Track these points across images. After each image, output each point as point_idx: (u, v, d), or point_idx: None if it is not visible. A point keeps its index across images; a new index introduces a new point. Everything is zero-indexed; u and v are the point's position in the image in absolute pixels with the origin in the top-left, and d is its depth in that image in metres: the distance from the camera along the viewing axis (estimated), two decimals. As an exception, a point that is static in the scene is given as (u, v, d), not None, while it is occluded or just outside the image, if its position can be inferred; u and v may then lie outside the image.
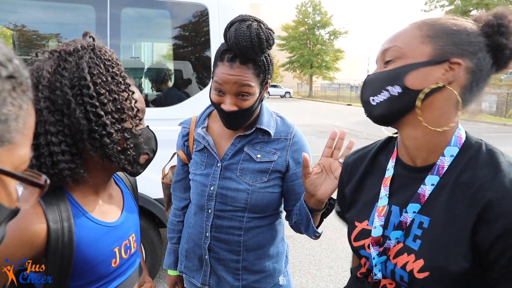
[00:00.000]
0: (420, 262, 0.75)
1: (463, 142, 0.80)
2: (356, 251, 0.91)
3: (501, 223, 0.67)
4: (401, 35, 0.81)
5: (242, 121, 1.24)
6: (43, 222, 0.80)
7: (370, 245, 0.85)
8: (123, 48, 2.83)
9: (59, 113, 0.82)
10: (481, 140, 0.81)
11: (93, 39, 0.91)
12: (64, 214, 0.83)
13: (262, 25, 1.13)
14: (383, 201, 0.86)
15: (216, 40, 2.76)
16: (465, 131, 0.82)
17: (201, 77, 2.95)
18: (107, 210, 0.97)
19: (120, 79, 0.91)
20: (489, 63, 0.78)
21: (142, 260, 1.20)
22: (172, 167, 1.65)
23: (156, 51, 4.05)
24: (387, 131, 0.96)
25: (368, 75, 0.86)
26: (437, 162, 0.79)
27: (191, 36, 2.93)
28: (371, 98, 0.83)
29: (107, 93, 0.86)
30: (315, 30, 46.82)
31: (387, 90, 0.79)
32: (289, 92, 43.91)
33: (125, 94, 0.91)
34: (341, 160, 1.11)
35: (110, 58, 0.90)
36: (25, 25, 2.66)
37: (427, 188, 0.79)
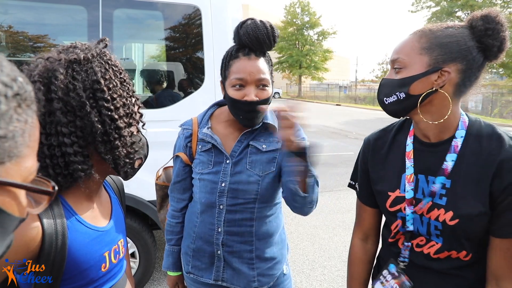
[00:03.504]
0: (450, 213, 1.01)
1: (467, 124, 1.05)
2: (392, 215, 1.14)
3: (511, 175, 0.95)
4: (404, 47, 1.03)
5: (260, 114, 1.30)
6: (38, 226, 0.80)
7: (406, 207, 1.09)
8: (115, 49, 2.80)
9: (72, 114, 0.83)
10: (477, 118, 1.07)
11: (106, 45, 0.93)
12: (58, 218, 0.83)
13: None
14: (409, 170, 1.10)
15: (209, 40, 2.75)
16: (465, 113, 1.07)
17: (193, 78, 2.95)
18: (97, 215, 0.97)
19: (127, 85, 0.93)
20: (479, 60, 0.99)
21: (129, 268, 1.19)
22: (165, 168, 1.66)
23: (148, 52, 4.03)
24: None
25: (383, 79, 1.11)
26: (452, 143, 1.04)
27: (184, 37, 2.92)
28: (384, 98, 1.08)
29: (118, 98, 0.89)
30: (304, 30, 47.00)
31: (396, 95, 1.04)
32: (278, 93, 44.02)
33: (132, 100, 0.94)
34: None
35: (117, 64, 0.92)
36: (15, 26, 2.61)
37: (449, 164, 1.03)
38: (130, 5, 2.83)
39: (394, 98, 1.04)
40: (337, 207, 5.49)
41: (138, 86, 3.44)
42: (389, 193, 1.14)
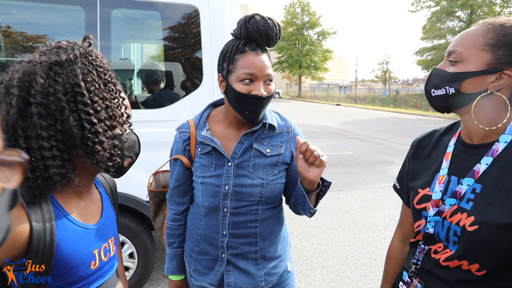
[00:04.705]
0: (471, 218, 0.93)
1: None
2: (418, 212, 1.10)
3: None
4: (465, 40, 0.95)
5: (264, 109, 1.31)
6: (26, 223, 0.80)
7: (431, 206, 1.03)
8: (113, 49, 2.80)
9: (52, 118, 0.82)
10: None
11: (90, 44, 0.91)
12: (46, 215, 0.83)
13: None
14: (443, 171, 1.04)
15: (207, 40, 2.75)
16: None
17: (192, 78, 2.94)
18: (87, 213, 0.97)
19: (112, 86, 0.91)
20: None
21: (121, 267, 1.18)
22: (155, 174, 1.63)
23: (146, 52, 4.03)
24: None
25: (434, 68, 1.04)
26: (492, 147, 0.95)
27: (182, 37, 2.92)
28: (432, 90, 1.02)
29: (100, 101, 0.87)
30: (304, 30, 47.04)
31: (445, 88, 0.97)
32: (278, 93, 44.09)
33: (117, 101, 0.92)
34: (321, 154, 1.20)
35: (102, 64, 0.90)
36: (13, 26, 2.61)
37: (482, 167, 0.96)
38: (128, 5, 2.83)
39: (442, 91, 0.98)
40: (336, 207, 5.49)
41: (137, 86, 3.44)
42: (419, 190, 1.10)
